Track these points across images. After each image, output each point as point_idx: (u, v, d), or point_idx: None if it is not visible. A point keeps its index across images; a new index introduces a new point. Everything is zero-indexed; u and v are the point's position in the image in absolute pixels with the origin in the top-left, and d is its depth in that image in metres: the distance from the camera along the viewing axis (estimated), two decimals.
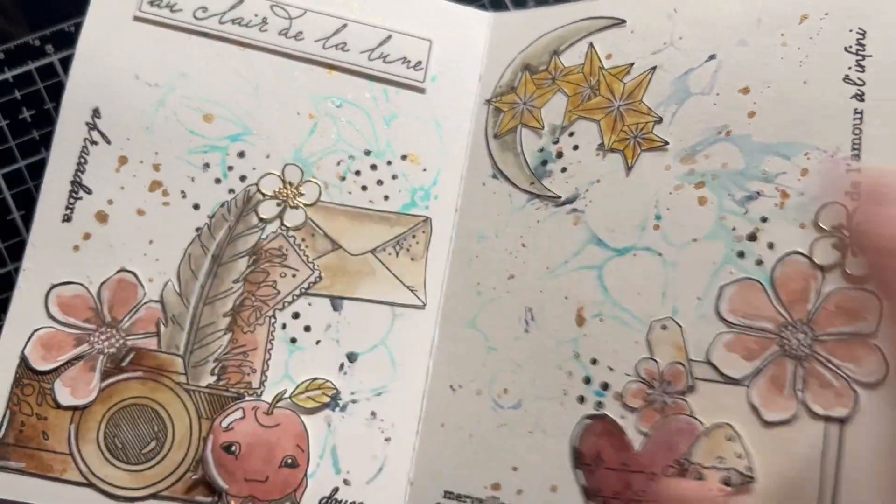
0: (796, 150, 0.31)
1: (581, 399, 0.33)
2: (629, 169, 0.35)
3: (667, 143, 0.34)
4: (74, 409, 0.35)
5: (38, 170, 0.39)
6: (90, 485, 0.35)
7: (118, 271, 0.37)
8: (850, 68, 0.31)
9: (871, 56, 0.31)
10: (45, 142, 0.39)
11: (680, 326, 0.32)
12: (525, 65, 0.39)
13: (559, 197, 0.36)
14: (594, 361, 0.33)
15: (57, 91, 0.39)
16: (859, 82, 0.31)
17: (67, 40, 0.41)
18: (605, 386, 0.33)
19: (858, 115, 0.30)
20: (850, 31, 0.31)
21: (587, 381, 0.33)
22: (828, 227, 0.30)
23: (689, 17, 0.35)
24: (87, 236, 0.37)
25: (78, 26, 0.38)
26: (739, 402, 0.30)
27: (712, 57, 0.34)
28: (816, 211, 0.30)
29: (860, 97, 0.31)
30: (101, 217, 0.37)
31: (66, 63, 0.40)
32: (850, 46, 0.31)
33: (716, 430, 0.30)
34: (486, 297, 0.37)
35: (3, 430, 0.35)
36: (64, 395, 0.35)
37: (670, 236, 0.33)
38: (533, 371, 0.35)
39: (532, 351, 0.35)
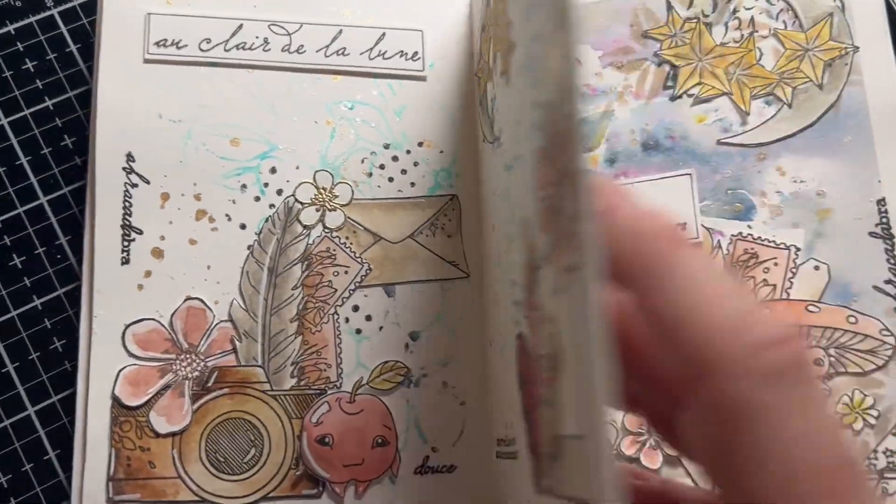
0: None
1: None
2: None
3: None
4: (173, 434, 0.38)
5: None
6: (203, 501, 0.37)
7: (185, 300, 0.39)
8: None
9: None
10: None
11: None
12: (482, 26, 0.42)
13: None
14: None
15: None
16: None
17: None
18: None
19: None
20: None
21: None
22: None
23: None
24: (147, 274, 0.39)
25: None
26: None
27: None
28: None
29: None
30: (157, 253, 0.39)
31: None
32: None
33: None
34: None
35: (113, 468, 0.37)
36: (160, 423, 0.38)
37: None
38: None
39: None
